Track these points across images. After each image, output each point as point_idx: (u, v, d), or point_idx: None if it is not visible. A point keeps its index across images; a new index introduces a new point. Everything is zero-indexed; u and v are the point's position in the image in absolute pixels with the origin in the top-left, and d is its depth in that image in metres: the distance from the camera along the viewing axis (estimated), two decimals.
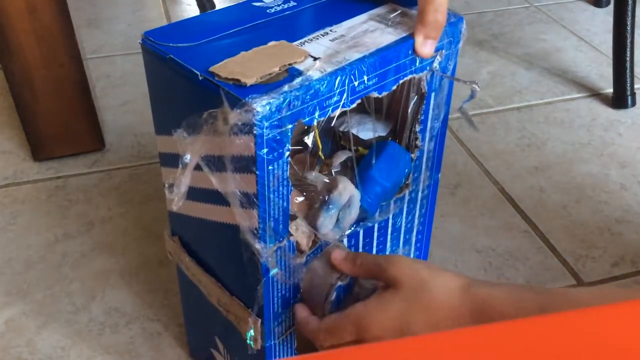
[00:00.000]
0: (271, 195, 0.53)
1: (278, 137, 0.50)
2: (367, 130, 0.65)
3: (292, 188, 0.55)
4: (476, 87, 0.60)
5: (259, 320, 0.60)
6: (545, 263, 0.92)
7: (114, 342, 0.81)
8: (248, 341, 0.61)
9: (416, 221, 0.72)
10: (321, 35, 0.57)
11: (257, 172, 0.51)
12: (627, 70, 1.22)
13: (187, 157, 0.52)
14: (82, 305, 0.86)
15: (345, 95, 0.53)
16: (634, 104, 1.25)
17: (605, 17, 1.57)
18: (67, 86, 1.05)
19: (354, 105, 0.55)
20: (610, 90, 1.27)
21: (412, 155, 0.65)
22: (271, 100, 0.48)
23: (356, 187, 0.60)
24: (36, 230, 0.97)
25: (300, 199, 0.59)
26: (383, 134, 0.66)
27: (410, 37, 0.57)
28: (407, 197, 0.68)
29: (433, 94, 0.63)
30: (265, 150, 0.50)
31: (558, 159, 1.12)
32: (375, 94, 0.56)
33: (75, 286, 0.89)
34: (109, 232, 0.97)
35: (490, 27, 1.54)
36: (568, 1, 1.67)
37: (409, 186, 0.67)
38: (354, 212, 0.60)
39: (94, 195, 1.04)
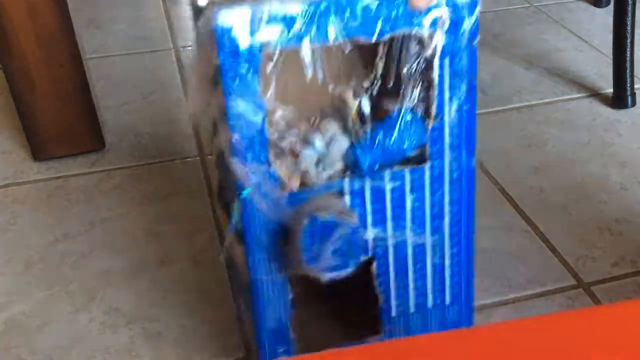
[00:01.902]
0: (241, 107, 0.55)
1: (244, 48, 0.52)
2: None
3: (268, 110, 0.56)
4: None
5: (242, 245, 0.60)
6: (545, 263, 0.92)
7: (114, 342, 0.81)
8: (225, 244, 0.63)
9: (446, 208, 0.68)
10: None
11: (223, 80, 0.53)
12: (627, 70, 1.22)
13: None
14: (82, 305, 0.86)
15: (314, 26, 0.55)
16: (634, 104, 1.25)
17: (605, 17, 1.57)
18: (67, 86, 1.05)
19: (338, 43, 0.56)
20: (610, 90, 1.27)
21: (429, 123, 0.63)
22: (235, 9, 0.51)
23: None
24: (36, 230, 0.97)
25: (279, 113, 0.59)
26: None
27: None
28: (427, 172, 0.66)
29: (447, 59, 0.61)
30: (229, 59, 0.52)
31: (558, 159, 1.12)
32: (363, 38, 0.56)
33: (75, 286, 0.89)
34: (109, 232, 0.97)
35: (491, 27, 1.54)
36: (568, 1, 1.67)
37: (426, 159, 0.65)
38: (335, 152, 0.60)
39: (94, 195, 1.04)
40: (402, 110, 0.63)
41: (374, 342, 0.71)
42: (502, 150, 1.14)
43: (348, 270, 0.65)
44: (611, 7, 1.31)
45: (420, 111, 0.64)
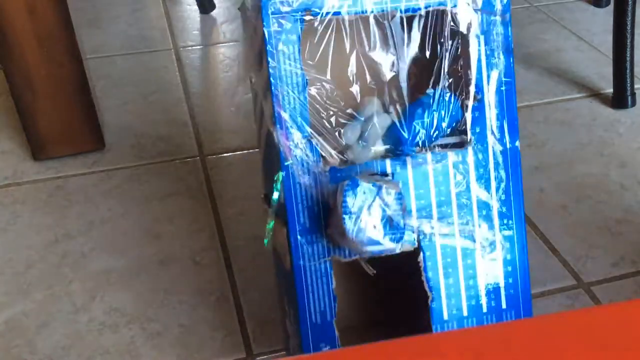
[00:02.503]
0: (284, 80, 0.57)
1: (284, 17, 0.55)
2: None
3: (309, 82, 0.58)
4: None
5: (285, 229, 0.60)
6: (545, 263, 0.92)
7: (114, 342, 0.81)
8: (267, 227, 0.62)
9: (494, 195, 0.65)
10: None
11: (267, 49, 0.55)
12: (627, 70, 1.22)
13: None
14: (82, 305, 0.86)
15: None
16: (634, 104, 1.25)
17: (605, 17, 1.57)
18: (67, 86, 1.05)
19: (372, 14, 0.57)
20: (610, 90, 1.27)
21: (468, 103, 0.62)
22: None
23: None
24: (36, 230, 0.97)
25: (321, 86, 0.61)
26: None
27: None
28: (470, 154, 0.63)
29: (483, 37, 0.61)
30: (274, 27, 0.55)
31: (558, 159, 1.12)
32: (397, 12, 0.58)
33: (75, 286, 0.89)
34: (109, 232, 0.97)
35: None
36: (568, 1, 1.67)
37: (470, 140, 0.63)
38: (377, 129, 0.60)
39: (94, 195, 1.04)
40: (439, 88, 0.62)
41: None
42: None
43: (391, 247, 0.60)
44: (611, 7, 1.31)
45: (458, 90, 0.63)
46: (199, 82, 1.33)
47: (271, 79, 0.57)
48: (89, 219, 0.99)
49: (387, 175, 0.62)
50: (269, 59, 0.57)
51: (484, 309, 0.67)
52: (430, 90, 0.63)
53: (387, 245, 0.59)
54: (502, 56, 0.62)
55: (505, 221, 0.67)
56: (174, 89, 1.29)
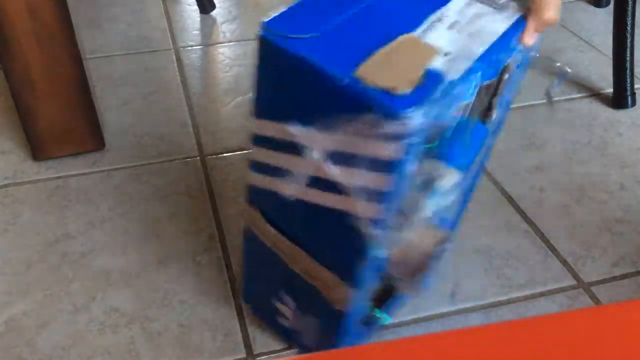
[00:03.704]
0: (399, 191, 0.56)
1: (419, 141, 0.52)
2: None
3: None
4: (568, 69, 0.63)
5: (351, 289, 0.63)
6: (545, 263, 0.92)
7: (114, 342, 0.81)
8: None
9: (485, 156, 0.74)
10: (435, 21, 0.57)
11: (396, 174, 0.53)
12: (627, 70, 1.22)
13: (314, 153, 0.55)
14: (82, 305, 0.86)
15: (475, 89, 0.56)
16: (634, 104, 1.25)
17: (605, 17, 1.57)
18: (67, 86, 1.05)
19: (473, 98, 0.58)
20: (610, 90, 1.27)
21: (488, 126, 0.67)
22: (424, 112, 0.49)
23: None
24: (36, 230, 0.97)
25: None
26: None
27: (518, 24, 0.59)
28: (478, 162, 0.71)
29: (518, 69, 0.65)
30: (410, 156, 0.52)
31: (558, 159, 1.12)
32: (487, 82, 0.59)
33: (75, 286, 0.89)
34: (109, 232, 0.97)
35: None
36: (568, 1, 1.67)
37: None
38: (453, 197, 0.62)
39: (94, 195, 1.04)
40: (467, 120, 0.65)
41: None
42: (502, 150, 1.14)
43: None
44: (611, 7, 1.31)
45: (481, 116, 0.67)
46: (199, 82, 1.32)
47: (391, 196, 0.55)
48: (89, 219, 0.99)
49: None
50: (396, 183, 0.54)
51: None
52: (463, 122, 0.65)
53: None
54: (520, 79, 0.68)
55: (480, 167, 0.77)
56: (174, 89, 1.29)
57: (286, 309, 0.75)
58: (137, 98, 1.27)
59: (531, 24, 0.60)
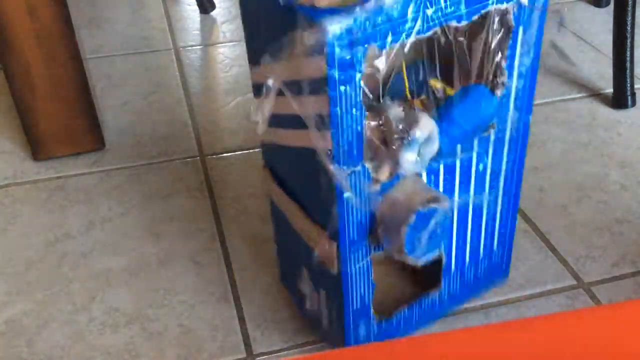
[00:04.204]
0: (344, 117, 0.55)
1: (349, 58, 0.52)
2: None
3: (367, 114, 0.56)
4: (564, 12, 0.60)
5: (335, 244, 0.62)
6: (545, 263, 0.92)
7: (114, 342, 0.81)
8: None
9: (504, 166, 0.70)
10: None
11: (330, 93, 0.53)
12: (627, 70, 1.22)
13: (270, 82, 0.55)
14: (82, 305, 0.86)
15: (419, 21, 0.54)
16: (634, 104, 1.25)
17: (605, 17, 1.57)
18: (67, 86, 1.05)
19: (430, 32, 0.55)
20: (610, 90, 1.27)
21: (498, 92, 0.64)
22: (342, 21, 0.50)
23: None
24: (36, 230, 0.97)
25: (374, 123, 0.60)
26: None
27: None
28: (492, 138, 0.67)
29: (521, 28, 0.61)
30: (336, 70, 0.52)
31: (558, 159, 1.12)
32: (454, 23, 0.56)
33: (75, 286, 0.89)
34: (109, 232, 0.97)
35: None
36: (568, 1, 1.67)
37: (494, 126, 0.66)
38: (434, 147, 0.61)
39: (94, 195, 1.04)
40: (475, 85, 0.63)
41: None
42: None
43: (440, 252, 0.68)
44: (611, 7, 1.31)
45: (489, 83, 0.64)
46: (199, 82, 1.33)
47: (332, 119, 0.54)
48: (89, 219, 0.99)
49: (420, 174, 0.63)
50: (332, 99, 0.54)
51: (481, 254, 0.77)
52: (467, 87, 0.63)
53: (438, 252, 0.65)
54: (534, 45, 0.64)
55: (508, 183, 0.73)
56: (174, 89, 1.29)
57: (307, 287, 0.75)
58: (137, 98, 1.27)
59: None
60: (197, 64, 1.39)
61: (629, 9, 1.20)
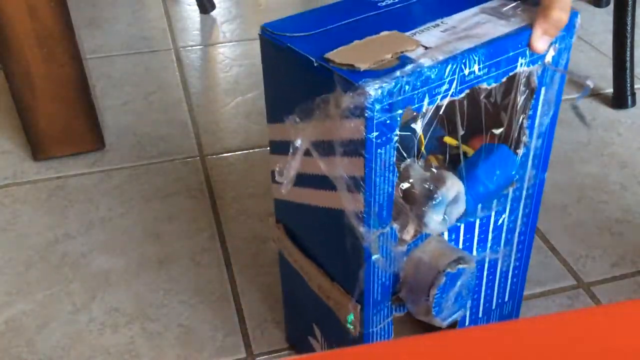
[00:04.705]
0: (377, 180, 0.54)
1: (388, 122, 0.52)
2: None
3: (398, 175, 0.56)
4: (590, 82, 0.60)
5: (359, 306, 0.61)
6: (545, 263, 0.92)
7: (114, 342, 0.81)
8: (348, 324, 0.63)
9: (519, 221, 0.71)
10: (432, 26, 0.57)
11: (366, 156, 0.52)
12: (627, 70, 1.22)
13: (298, 142, 0.54)
14: (82, 305, 0.86)
15: (455, 83, 0.54)
16: (634, 104, 1.25)
17: (605, 17, 1.57)
18: (67, 86, 1.05)
19: (463, 95, 0.56)
20: (610, 90, 1.27)
21: (519, 152, 0.64)
22: (383, 85, 0.50)
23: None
24: (36, 230, 0.97)
25: (406, 185, 0.60)
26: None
27: (524, 29, 0.57)
28: (510, 195, 0.67)
29: (543, 89, 0.62)
30: (375, 133, 0.51)
31: (558, 159, 1.12)
32: (484, 85, 0.56)
33: (75, 286, 0.89)
34: (109, 232, 0.97)
35: None
36: None
37: (513, 184, 0.67)
38: (460, 208, 0.61)
39: (94, 195, 1.04)
40: (499, 145, 0.64)
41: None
42: None
43: (464, 312, 0.68)
44: (611, 7, 1.31)
45: (512, 142, 0.65)
46: (199, 82, 1.33)
47: (366, 181, 0.54)
48: (89, 219, 0.99)
49: (442, 233, 0.63)
50: (367, 164, 0.53)
51: (494, 306, 0.77)
52: (489, 147, 0.64)
53: (457, 317, 0.65)
54: (554, 103, 0.65)
55: (522, 239, 0.73)
56: (174, 89, 1.29)
57: (317, 344, 0.74)
58: (137, 98, 1.27)
59: (538, 25, 0.57)
60: (197, 64, 1.39)
61: (629, 9, 1.20)
